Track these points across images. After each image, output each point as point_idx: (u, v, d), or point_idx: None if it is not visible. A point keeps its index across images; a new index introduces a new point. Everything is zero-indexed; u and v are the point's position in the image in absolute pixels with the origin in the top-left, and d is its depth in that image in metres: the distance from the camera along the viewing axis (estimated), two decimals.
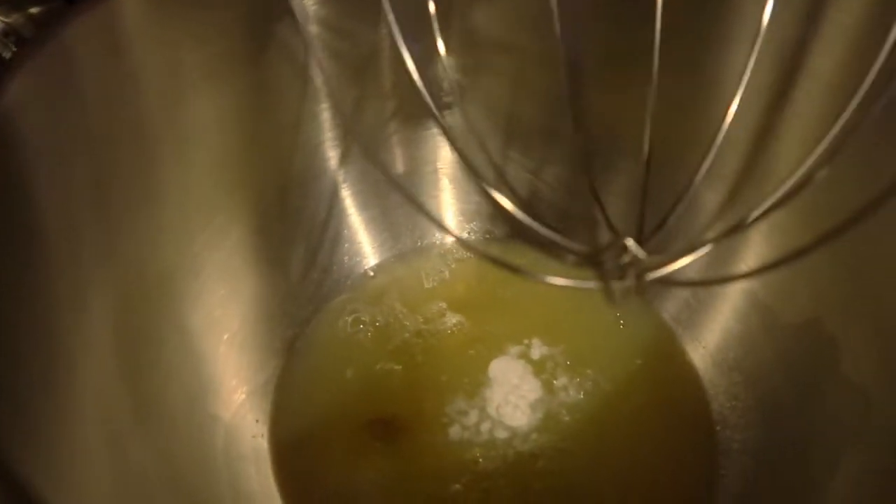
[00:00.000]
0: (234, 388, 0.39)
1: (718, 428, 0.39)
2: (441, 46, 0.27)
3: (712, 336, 0.41)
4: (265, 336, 0.41)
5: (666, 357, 0.42)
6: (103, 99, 0.28)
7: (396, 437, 0.39)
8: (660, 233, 0.25)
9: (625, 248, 0.23)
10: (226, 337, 0.39)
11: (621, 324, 0.43)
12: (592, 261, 0.24)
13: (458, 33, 0.40)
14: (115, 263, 0.30)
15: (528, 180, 0.46)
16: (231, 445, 0.37)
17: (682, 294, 0.42)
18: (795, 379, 0.36)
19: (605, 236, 0.43)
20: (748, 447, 0.37)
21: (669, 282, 0.25)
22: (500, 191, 0.28)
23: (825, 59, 0.29)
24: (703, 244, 0.24)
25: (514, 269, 0.23)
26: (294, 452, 0.39)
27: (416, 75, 0.24)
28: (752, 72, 0.26)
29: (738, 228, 0.22)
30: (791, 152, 0.32)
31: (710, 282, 0.33)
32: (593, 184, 0.25)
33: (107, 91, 0.28)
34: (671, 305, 0.43)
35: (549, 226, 0.24)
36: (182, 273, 0.35)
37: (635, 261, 0.23)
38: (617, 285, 0.24)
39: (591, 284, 0.24)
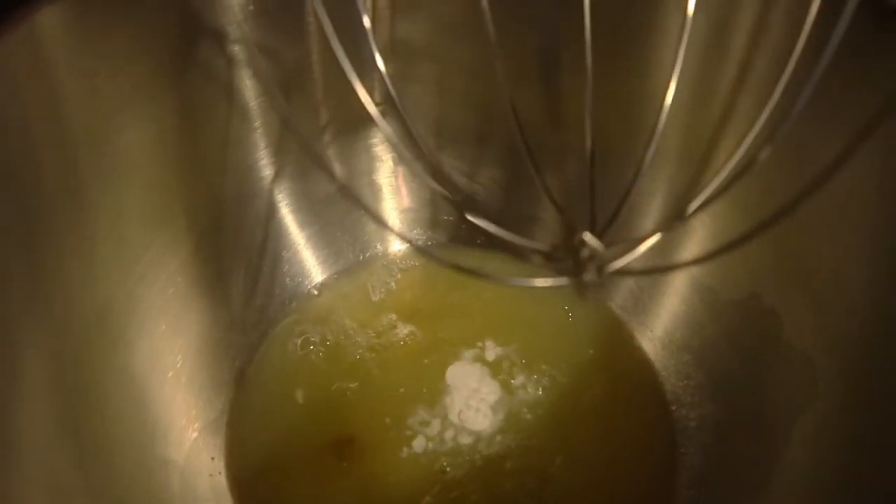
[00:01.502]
0: (185, 427, 0.37)
1: (674, 408, 0.40)
2: (377, 55, 0.27)
3: (658, 320, 0.42)
4: (212, 369, 0.39)
5: (616, 345, 0.43)
6: (24, 128, 0.26)
7: (360, 456, 0.38)
8: (612, 225, 0.25)
9: (583, 243, 0.23)
10: (170, 374, 0.37)
11: (570, 317, 0.44)
12: (551, 258, 0.24)
13: (383, 44, 0.39)
14: (46, 303, 0.28)
15: (464, 183, 0.46)
16: (187, 489, 0.35)
17: (626, 282, 0.43)
18: (742, 353, 0.38)
19: (546, 232, 0.44)
20: (705, 423, 0.38)
21: (627, 272, 0.25)
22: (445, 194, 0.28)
23: (749, 46, 0.31)
24: (654, 232, 0.24)
25: (483, 276, 0.23)
26: (255, 487, 0.37)
27: (356, 81, 0.24)
28: (683, 62, 0.27)
29: (693, 212, 0.23)
30: (726, 140, 0.33)
31: (663, 268, 0.34)
32: (545, 182, 0.25)
33: (28, 118, 0.26)
34: (616, 294, 0.44)
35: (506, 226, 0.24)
36: (117, 310, 0.33)
37: (595, 254, 0.23)
38: (580, 279, 0.24)
39: (559, 282, 0.24)
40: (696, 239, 0.37)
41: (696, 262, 0.33)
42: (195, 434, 0.37)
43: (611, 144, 0.29)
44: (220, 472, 0.37)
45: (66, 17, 0.27)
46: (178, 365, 0.37)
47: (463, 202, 0.27)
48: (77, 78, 0.29)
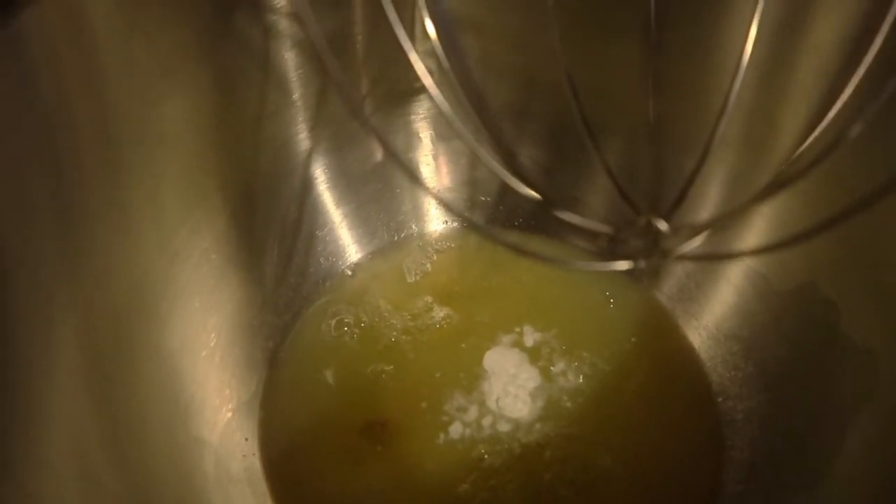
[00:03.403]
0: (218, 408, 0.36)
1: (720, 399, 0.39)
2: (427, 21, 0.25)
3: (705, 308, 0.41)
4: (245, 348, 0.38)
5: (660, 332, 0.41)
6: (63, 96, 0.25)
7: (395, 440, 0.37)
8: (678, 209, 0.24)
9: (649, 225, 0.21)
10: (203, 353, 0.36)
11: (611, 303, 0.42)
12: (614, 240, 0.22)
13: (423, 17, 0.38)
14: (80, 281, 0.27)
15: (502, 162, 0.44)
16: (221, 469, 0.34)
17: (673, 270, 0.41)
18: (795, 344, 0.36)
19: (587, 215, 0.42)
20: (753, 416, 0.37)
21: (689, 257, 0.23)
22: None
23: (825, 32, 0.29)
24: (721, 215, 0.23)
25: (537, 258, 0.22)
26: (289, 468, 0.37)
27: (411, 52, 0.23)
28: (754, 42, 0.25)
29: (767, 193, 0.22)
30: (793, 125, 0.31)
31: (724, 255, 0.32)
32: (605, 160, 0.23)
33: (65, 88, 0.25)
34: (661, 282, 0.42)
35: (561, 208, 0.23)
36: (152, 286, 0.33)
37: (661, 237, 0.21)
38: (649, 263, 0.22)
39: (622, 266, 0.23)
40: (756, 230, 0.35)
41: (756, 252, 0.31)
42: (229, 414, 0.36)
43: (668, 126, 0.28)
44: (253, 454, 0.37)
45: None
46: (212, 344, 0.36)
47: (546, 200, 0.25)
48: (113, 48, 0.28)
